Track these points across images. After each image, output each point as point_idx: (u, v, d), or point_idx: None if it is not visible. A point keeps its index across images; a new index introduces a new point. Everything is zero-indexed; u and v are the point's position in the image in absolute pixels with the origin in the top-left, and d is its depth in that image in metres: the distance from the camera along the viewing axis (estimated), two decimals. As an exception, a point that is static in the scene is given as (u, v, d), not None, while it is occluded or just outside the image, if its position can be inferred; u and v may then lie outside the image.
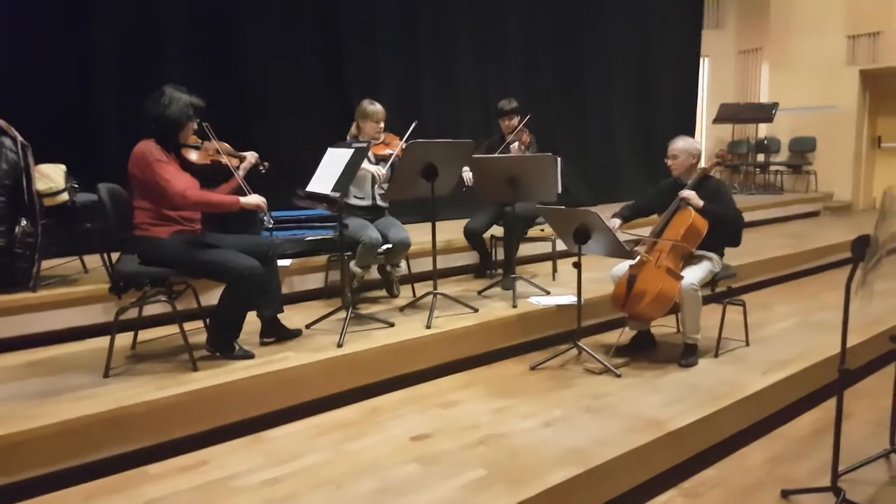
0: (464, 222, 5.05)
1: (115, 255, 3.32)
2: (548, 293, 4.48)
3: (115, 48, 5.00)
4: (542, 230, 5.06)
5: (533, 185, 4.27)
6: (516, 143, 4.81)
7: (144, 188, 3.15)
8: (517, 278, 4.44)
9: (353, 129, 4.43)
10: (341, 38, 6.23)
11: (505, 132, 4.99)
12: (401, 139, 4.33)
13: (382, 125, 4.37)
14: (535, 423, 3.00)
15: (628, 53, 8.87)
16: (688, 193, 3.74)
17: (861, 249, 2.37)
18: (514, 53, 7.67)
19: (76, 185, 3.98)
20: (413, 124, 4.23)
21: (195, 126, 3.31)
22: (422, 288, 4.45)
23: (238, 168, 3.47)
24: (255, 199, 3.31)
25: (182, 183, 3.13)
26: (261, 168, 3.57)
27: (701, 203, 3.70)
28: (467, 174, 4.60)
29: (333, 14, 6.17)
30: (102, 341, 3.34)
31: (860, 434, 3.22)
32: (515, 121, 4.95)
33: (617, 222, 3.94)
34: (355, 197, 4.34)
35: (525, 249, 5.30)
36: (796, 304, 5.13)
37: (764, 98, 10.11)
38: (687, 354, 3.74)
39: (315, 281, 4.62)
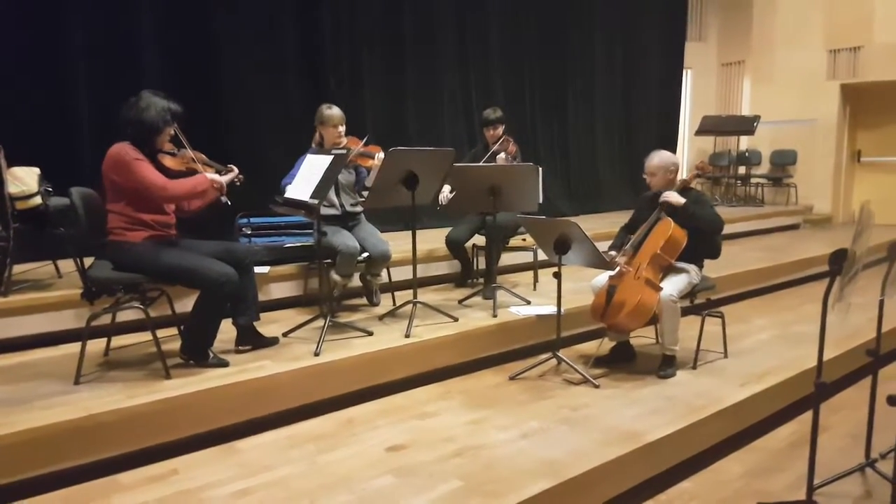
0: (445, 231, 5.04)
1: (89, 261, 3.26)
2: (528, 303, 4.47)
3: (90, 51, 4.93)
4: (524, 240, 5.06)
5: (514, 195, 4.26)
6: (503, 154, 4.80)
7: (120, 191, 3.11)
8: (498, 288, 4.42)
9: (317, 137, 4.32)
10: (322, 45, 6.20)
11: (489, 142, 4.98)
12: (361, 142, 4.28)
13: (342, 129, 4.26)
14: (512, 435, 2.98)
15: (612, 65, 8.93)
16: (668, 193, 3.75)
17: (838, 263, 2.37)
18: (499, 64, 7.69)
19: (50, 189, 3.91)
20: (365, 137, 4.23)
21: (172, 132, 3.27)
22: (402, 296, 4.43)
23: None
24: (215, 176, 3.31)
25: (161, 178, 3.13)
26: (237, 182, 3.54)
27: (682, 200, 3.70)
28: (444, 193, 4.59)
29: (314, 21, 6.14)
30: (74, 348, 3.27)
31: (836, 447, 3.23)
32: (500, 130, 4.94)
33: (612, 255, 3.92)
34: (323, 206, 4.28)
35: (506, 259, 5.29)
36: (775, 316, 5.16)
37: (745, 111, 10.20)
38: (665, 366, 3.74)
39: (293, 288, 4.58)
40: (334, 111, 4.23)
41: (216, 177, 3.32)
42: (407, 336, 3.73)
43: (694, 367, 3.85)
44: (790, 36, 9.70)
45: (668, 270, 3.77)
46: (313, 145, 4.30)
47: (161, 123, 3.18)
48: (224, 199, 3.34)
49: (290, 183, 3.86)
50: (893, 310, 2.81)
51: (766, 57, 9.98)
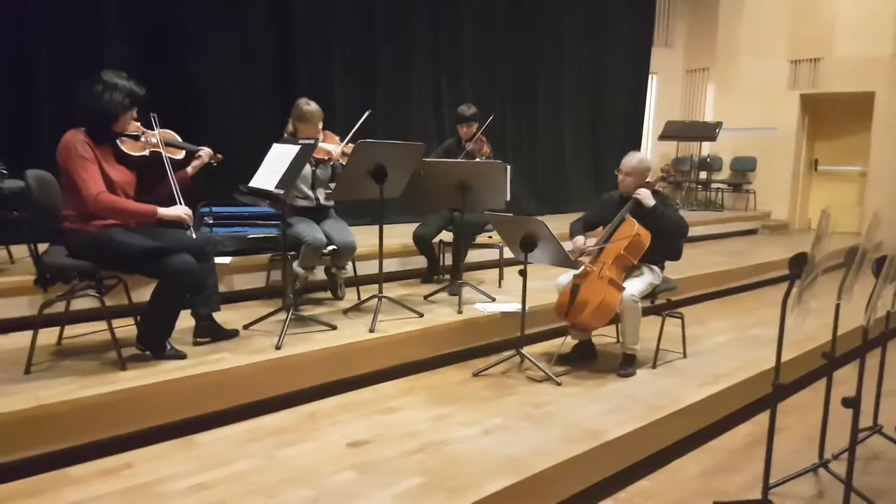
0: (412, 226, 5.02)
1: (43, 246, 3.15)
2: (493, 300, 4.47)
3: (52, 28, 4.77)
4: (490, 237, 5.06)
5: (482, 192, 4.26)
6: (478, 158, 4.78)
7: (67, 181, 3.01)
8: (464, 284, 4.42)
9: (290, 127, 4.24)
10: (293, 36, 6.11)
11: (463, 138, 4.97)
12: (341, 139, 4.23)
13: (321, 125, 4.22)
14: (475, 431, 2.98)
15: (580, 68, 9.01)
16: (642, 191, 3.79)
17: (799, 267, 2.42)
18: (469, 62, 7.70)
19: (5, 171, 3.77)
20: (366, 113, 4.13)
21: (134, 115, 3.17)
22: (367, 291, 4.39)
23: (186, 162, 3.35)
24: (176, 211, 3.10)
25: (97, 185, 2.96)
26: (213, 162, 3.45)
27: (652, 202, 3.75)
28: None
29: (285, 11, 6.05)
30: (25, 336, 3.16)
31: (791, 448, 3.30)
32: (474, 128, 4.93)
33: (581, 239, 3.96)
34: (297, 197, 4.23)
35: (473, 256, 5.29)
36: (732, 318, 5.26)
37: (708, 117, 10.39)
38: (626, 365, 3.79)
39: (256, 280, 4.50)
40: (313, 107, 4.14)
41: (175, 212, 3.10)
42: (371, 331, 3.70)
43: (654, 367, 3.90)
44: (754, 45, 9.90)
45: (631, 271, 3.82)
46: (285, 135, 4.22)
47: (119, 109, 3.05)
48: (189, 231, 3.14)
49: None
50: (848, 314, 2.87)
51: (730, 65, 10.17)
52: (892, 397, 3.71)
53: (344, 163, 4.18)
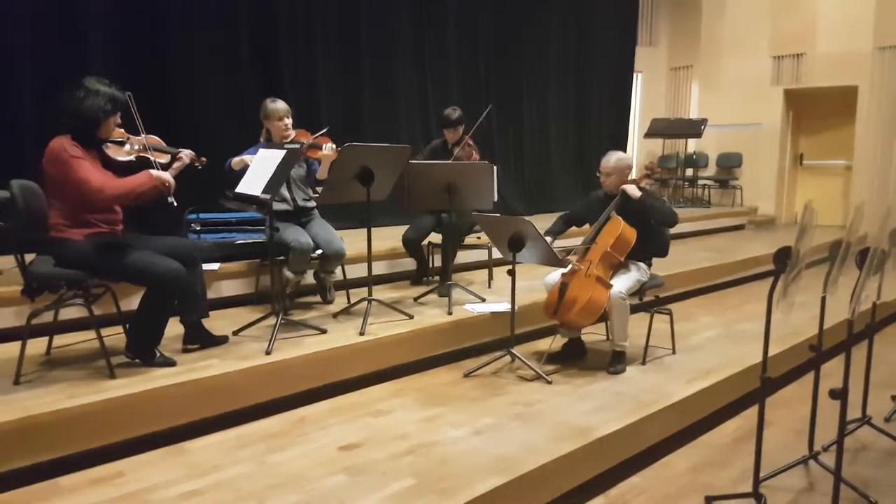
0: (400, 228, 5.02)
1: (30, 256, 3.14)
2: (483, 300, 4.48)
3: (36, 36, 4.76)
4: (479, 238, 5.07)
5: (470, 193, 4.26)
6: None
7: (59, 187, 2.99)
8: (453, 285, 4.43)
9: (263, 132, 4.24)
10: (276, 41, 6.12)
11: (450, 142, 4.97)
12: (312, 135, 4.21)
13: (288, 121, 4.18)
14: (466, 432, 2.99)
15: (565, 67, 9.06)
16: (628, 186, 3.82)
17: (783, 261, 2.44)
18: (454, 65, 7.72)
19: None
20: (324, 129, 4.16)
21: (118, 120, 3.16)
22: (357, 294, 4.39)
23: (170, 165, 3.34)
24: (164, 175, 3.13)
25: (99, 179, 2.97)
26: (197, 165, 3.44)
27: (639, 193, 3.78)
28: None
29: (269, 14, 6.05)
30: (13, 347, 3.15)
31: (780, 441, 3.32)
32: (460, 131, 4.93)
33: (549, 240, 3.97)
34: (274, 201, 4.18)
35: (462, 257, 5.30)
36: (720, 314, 5.29)
37: (693, 114, 10.45)
38: (615, 362, 3.80)
39: (245, 286, 4.49)
40: (279, 104, 4.15)
41: (163, 175, 3.14)
42: (361, 334, 3.70)
43: (643, 363, 3.92)
44: (737, 42, 9.97)
45: (618, 268, 3.84)
46: (261, 140, 4.22)
47: (101, 115, 3.03)
48: (171, 199, 3.15)
49: (232, 161, 3.84)
50: (835, 307, 2.90)
51: (714, 62, 10.24)
52: (879, 389, 3.75)
53: (315, 157, 4.17)
